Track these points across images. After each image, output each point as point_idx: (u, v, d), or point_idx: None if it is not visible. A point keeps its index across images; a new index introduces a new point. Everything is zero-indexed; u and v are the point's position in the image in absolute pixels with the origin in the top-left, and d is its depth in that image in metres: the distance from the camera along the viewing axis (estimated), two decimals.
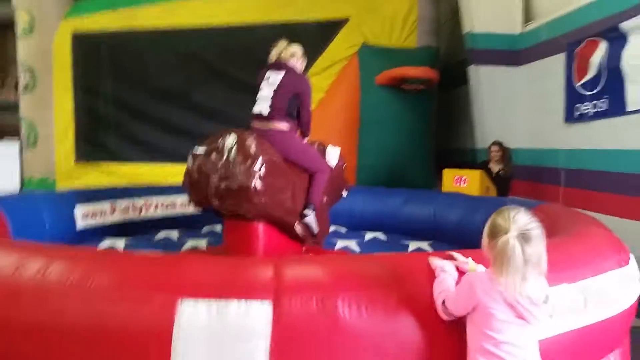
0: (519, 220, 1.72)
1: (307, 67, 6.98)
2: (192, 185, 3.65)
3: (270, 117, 3.66)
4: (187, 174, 3.68)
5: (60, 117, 7.70)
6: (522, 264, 1.69)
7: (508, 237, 1.70)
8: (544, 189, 6.03)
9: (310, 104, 3.81)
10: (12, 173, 7.73)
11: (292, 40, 6.90)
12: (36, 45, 7.75)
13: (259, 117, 3.70)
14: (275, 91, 3.65)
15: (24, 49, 7.86)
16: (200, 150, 3.63)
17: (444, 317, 1.93)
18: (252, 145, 3.48)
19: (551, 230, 3.22)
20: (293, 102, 3.71)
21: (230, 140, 3.52)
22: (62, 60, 7.74)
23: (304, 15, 7.24)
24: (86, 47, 7.81)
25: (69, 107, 7.71)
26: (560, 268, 2.30)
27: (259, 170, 3.41)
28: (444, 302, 1.92)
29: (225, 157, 3.48)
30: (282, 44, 3.85)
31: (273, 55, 3.84)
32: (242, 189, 3.40)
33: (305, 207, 3.81)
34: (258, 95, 3.73)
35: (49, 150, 7.70)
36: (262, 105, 3.68)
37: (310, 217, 3.80)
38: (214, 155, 3.53)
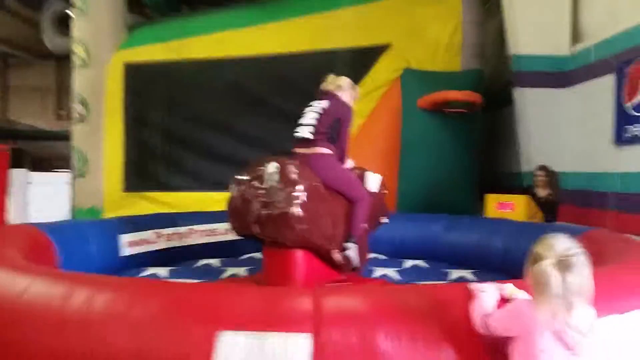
0: (558, 247, 1.68)
1: None
2: (234, 212, 3.67)
3: (312, 142, 3.69)
4: (230, 200, 3.70)
5: (110, 147, 7.98)
6: (562, 291, 1.63)
7: (544, 264, 1.67)
8: (594, 214, 5.79)
9: (348, 131, 3.81)
10: (63, 202, 8.02)
11: (333, 67, 7.03)
12: (90, 77, 8.11)
13: (302, 141, 3.74)
14: (317, 117, 3.70)
15: (79, 81, 8.23)
16: (243, 177, 3.67)
17: (482, 332, 1.90)
18: (293, 171, 3.50)
19: (601, 258, 3.10)
20: (334, 127, 3.74)
21: (272, 166, 3.55)
22: (114, 91, 8.07)
23: (345, 43, 7.31)
24: (137, 78, 8.12)
25: (119, 137, 7.99)
26: (611, 298, 2.19)
27: (300, 196, 3.42)
28: (484, 316, 1.89)
29: (267, 184, 3.50)
30: (330, 77, 3.92)
31: (322, 88, 3.91)
32: (282, 216, 3.40)
33: (347, 239, 3.77)
34: (301, 121, 3.78)
35: (98, 180, 7.97)
36: (305, 130, 3.73)
37: (351, 251, 3.75)
38: (255, 182, 3.56)
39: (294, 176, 3.47)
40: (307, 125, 3.72)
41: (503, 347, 1.84)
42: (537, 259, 1.70)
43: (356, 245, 3.77)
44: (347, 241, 3.76)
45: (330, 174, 3.72)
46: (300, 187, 3.43)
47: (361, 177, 4.08)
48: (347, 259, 3.75)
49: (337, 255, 3.71)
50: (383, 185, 4.24)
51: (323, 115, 3.70)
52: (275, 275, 3.67)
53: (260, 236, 3.61)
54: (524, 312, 1.73)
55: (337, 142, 3.77)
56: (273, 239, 3.56)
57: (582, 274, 1.67)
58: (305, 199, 3.43)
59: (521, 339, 1.74)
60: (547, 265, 1.66)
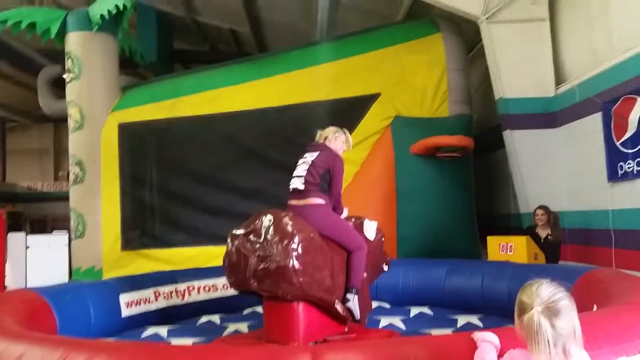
0: (543, 294, 1.68)
1: None
2: (231, 267, 3.64)
3: (304, 193, 3.72)
4: (227, 255, 3.67)
5: (108, 207, 7.99)
6: (554, 338, 1.63)
7: (532, 313, 1.66)
8: (595, 252, 5.77)
9: (340, 181, 3.85)
10: (62, 264, 7.96)
11: (325, 118, 7.15)
12: (86, 138, 8.18)
13: (295, 193, 3.77)
14: (308, 168, 3.75)
15: (75, 143, 8.31)
16: (238, 231, 3.65)
17: None
18: (288, 224, 3.49)
19: (605, 297, 3.07)
20: (325, 178, 3.78)
21: (267, 220, 3.55)
22: (110, 151, 8.14)
23: (337, 94, 7.47)
24: (132, 137, 8.22)
25: (116, 196, 8.01)
26: (617, 340, 2.16)
27: (296, 249, 3.39)
28: None
29: (262, 238, 3.49)
30: (321, 131, 4.02)
31: (315, 141, 4.00)
32: (279, 269, 3.37)
33: (347, 290, 3.74)
34: (294, 173, 3.83)
35: (96, 240, 7.94)
36: (297, 181, 3.77)
37: (352, 302, 3.70)
38: (251, 236, 3.55)
39: (290, 228, 3.46)
40: (298, 177, 3.77)
41: None
42: (524, 308, 1.70)
43: (356, 296, 3.72)
44: (347, 292, 3.72)
45: (325, 223, 3.73)
46: (296, 239, 3.42)
47: (358, 225, 4.08)
48: (348, 310, 3.70)
49: (338, 307, 3.66)
50: (380, 231, 4.23)
51: (312, 166, 3.75)
52: (276, 331, 3.60)
53: (258, 291, 3.57)
54: None
55: (330, 192, 3.80)
56: (272, 293, 3.51)
57: (570, 317, 1.67)
58: (302, 250, 3.42)
59: None
60: (535, 314, 1.65)
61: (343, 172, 3.85)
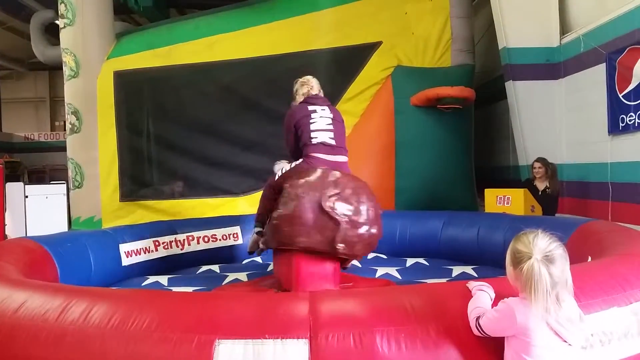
0: (540, 244, 1.73)
1: (341, 93, 7.13)
2: (304, 226, 3.33)
3: (337, 149, 3.65)
4: (297, 213, 3.33)
5: (105, 157, 7.95)
6: (552, 286, 1.69)
7: (532, 261, 1.70)
8: (592, 205, 5.81)
9: None
10: (60, 214, 8.00)
11: (325, 66, 7.02)
12: (81, 87, 8.07)
13: (325, 146, 3.62)
14: (332, 123, 3.69)
15: (70, 91, 8.20)
16: (302, 191, 3.37)
17: (477, 333, 1.91)
18: (370, 190, 3.53)
19: (599, 249, 3.11)
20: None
21: (351, 183, 3.47)
22: (105, 100, 8.04)
23: (337, 42, 7.30)
24: (127, 86, 8.10)
25: (113, 146, 7.96)
26: (611, 290, 2.21)
27: (380, 216, 3.50)
28: (478, 318, 1.90)
29: (353, 203, 3.38)
30: (309, 80, 3.95)
31: (313, 89, 3.90)
32: (373, 237, 3.42)
33: None
34: (315, 127, 3.65)
35: (95, 190, 7.94)
36: (325, 135, 3.63)
37: None
38: (336, 199, 3.35)
39: (372, 195, 3.51)
40: (325, 130, 3.65)
41: (501, 347, 1.85)
42: (521, 257, 1.74)
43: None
44: None
45: None
46: (378, 206, 3.52)
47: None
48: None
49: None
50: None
51: (335, 122, 3.72)
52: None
53: (339, 254, 3.42)
54: (518, 310, 1.74)
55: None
56: (355, 257, 3.60)
57: (564, 266, 1.73)
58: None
59: (516, 337, 1.76)
60: (535, 263, 1.70)
61: None
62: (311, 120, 3.66)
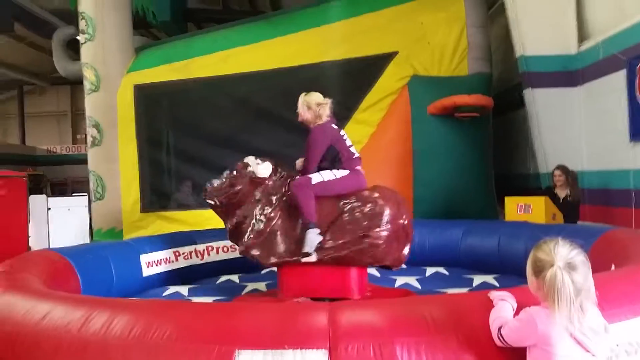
0: (561, 251, 1.71)
1: (357, 103, 7.15)
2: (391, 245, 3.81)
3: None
4: (389, 235, 3.78)
5: (125, 169, 8.07)
6: (575, 294, 1.67)
7: (555, 269, 1.68)
8: (615, 213, 5.70)
9: None
10: (82, 225, 8.13)
11: (339, 78, 7.04)
12: (102, 101, 8.22)
13: (360, 160, 4.05)
14: None
15: (91, 105, 8.35)
16: (392, 211, 3.80)
17: (498, 343, 1.89)
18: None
19: (623, 257, 3.05)
20: None
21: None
22: (126, 113, 8.17)
23: (351, 54, 7.33)
24: (147, 99, 8.23)
25: (133, 158, 8.07)
26: (636, 299, 2.17)
27: None
28: (500, 328, 1.87)
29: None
30: (322, 99, 4.03)
31: (330, 109, 4.02)
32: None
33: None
34: (349, 143, 4.01)
35: (116, 202, 8.05)
36: (356, 151, 4.06)
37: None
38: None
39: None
40: (352, 146, 4.04)
41: (515, 348, 1.84)
42: (543, 266, 1.72)
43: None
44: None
45: None
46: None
47: None
48: None
49: None
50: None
51: None
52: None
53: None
54: (540, 319, 1.72)
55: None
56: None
57: (586, 273, 1.70)
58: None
59: (538, 347, 1.74)
60: (558, 271, 1.67)
61: None
62: (344, 138, 4.00)
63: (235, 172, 4.09)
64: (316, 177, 3.89)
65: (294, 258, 3.82)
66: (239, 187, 4.02)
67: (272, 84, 7.63)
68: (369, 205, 3.80)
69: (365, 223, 3.73)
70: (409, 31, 7.17)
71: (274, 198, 4.03)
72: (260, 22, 8.29)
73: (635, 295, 2.18)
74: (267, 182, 4.06)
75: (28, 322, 2.32)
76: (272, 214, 3.98)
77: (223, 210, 4.10)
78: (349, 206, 3.83)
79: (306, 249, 3.81)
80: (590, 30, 6.35)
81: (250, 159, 4.16)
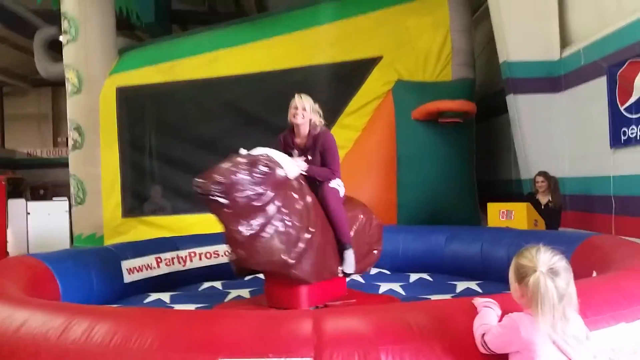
0: (543, 257, 1.72)
1: (342, 107, 7.15)
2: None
3: None
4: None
5: (107, 173, 7.96)
6: (558, 299, 1.68)
7: (538, 275, 1.69)
8: (595, 219, 5.77)
9: None
10: (62, 230, 7.99)
11: (325, 82, 7.05)
12: (84, 103, 8.10)
13: None
14: None
15: (73, 108, 8.23)
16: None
17: (482, 350, 1.89)
18: None
19: (604, 264, 3.09)
20: None
21: None
22: (108, 116, 8.06)
23: (337, 58, 7.34)
24: (130, 102, 8.13)
25: (115, 162, 7.96)
26: (617, 306, 2.19)
27: None
28: (483, 335, 1.88)
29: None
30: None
31: None
32: None
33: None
34: None
35: (97, 207, 7.94)
36: None
37: None
38: None
39: None
40: None
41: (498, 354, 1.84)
42: (526, 272, 1.73)
43: None
44: None
45: None
46: None
47: None
48: None
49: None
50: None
51: None
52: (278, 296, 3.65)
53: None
54: (523, 326, 1.73)
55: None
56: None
57: (568, 279, 1.72)
58: None
59: (520, 353, 1.74)
60: (541, 277, 1.68)
61: (275, 146, 3.85)
62: None
63: (265, 168, 3.25)
64: (340, 189, 3.87)
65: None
66: (266, 189, 3.26)
67: (258, 87, 7.60)
68: (374, 218, 4.20)
69: (373, 236, 4.17)
70: (394, 36, 7.21)
71: (299, 206, 3.45)
72: (246, 25, 8.27)
73: (617, 302, 2.20)
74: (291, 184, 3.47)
75: (5, 330, 2.27)
76: (311, 228, 3.43)
77: (233, 213, 3.18)
78: (361, 219, 4.08)
79: (348, 270, 3.79)
80: (573, 37, 6.44)
81: (274, 153, 3.45)
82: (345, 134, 6.94)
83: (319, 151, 3.80)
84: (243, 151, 3.39)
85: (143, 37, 13.82)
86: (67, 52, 8.19)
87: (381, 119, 7.12)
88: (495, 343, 1.83)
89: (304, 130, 3.85)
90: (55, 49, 12.43)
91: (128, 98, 8.09)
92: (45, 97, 21.94)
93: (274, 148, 3.62)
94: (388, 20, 7.32)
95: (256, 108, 7.63)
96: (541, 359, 1.69)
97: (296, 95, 3.86)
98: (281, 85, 7.42)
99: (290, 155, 3.76)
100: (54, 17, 10.89)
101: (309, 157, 3.81)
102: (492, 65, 7.60)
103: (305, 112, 3.78)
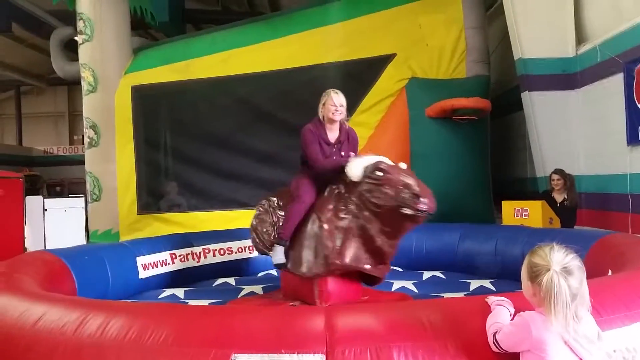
0: (557, 256, 1.71)
1: (356, 105, 7.14)
2: None
3: None
4: None
5: (123, 170, 8.06)
6: (571, 299, 1.66)
7: (551, 274, 1.67)
8: (612, 217, 5.70)
9: (309, 151, 3.83)
10: (79, 227, 8.09)
11: (339, 80, 7.05)
12: (99, 101, 8.20)
13: None
14: None
15: (88, 106, 8.33)
16: None
17: (494, 349, 1.88)
18: None
19: (620, 263, 3.05)
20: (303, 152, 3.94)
21: None
22: (123, 115, 8.15)
23: (350, 56, 7.33)
24: (145, 101, 8.22)
25: (131, 160, 8.06)
26: (633, 305, 2.16)
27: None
28: (495, 334, 1.87)
29: None
30: None
31: None
32: None
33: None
34: None
35: (112, 203, 8.04)
36: None
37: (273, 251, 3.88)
38: None
39: None
40: None
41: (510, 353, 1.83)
42: (539, 270, 1.71)
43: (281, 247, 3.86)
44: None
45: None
46: None
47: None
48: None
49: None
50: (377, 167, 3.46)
51: None
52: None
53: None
54: (535, 325, 1.72)
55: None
56: None
57: (581, 278, 1.70)
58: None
59: (531, 352, 1.73)
60: (555, 276, 1.67)
61: (309, 140, 3.81)
62: None
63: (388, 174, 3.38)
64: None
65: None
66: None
67: (271, 85, 7.64)
68: None
69: None
70: (408, 33, 7.19)
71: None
72: (259, 24, 8.29)
73: (633, 301, 2.18)
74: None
75: (23, 324, 2.30)
76: None
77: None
78: None
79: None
80: (589, 33, 6.36)
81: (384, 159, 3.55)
82: (358, 132, 6.80)
83: (348, 146, 3.89)
84: (403, 165, 3.57)
85: (157, 36, 13.94)
86: (82, 51, 8.29)
87: (395, 117, 7.10)
88: (507, 342, 1.82)
89: (337, 125, 3.89)
90: (71, 48, 12.57)
91: (143, 96, 8.17)
92: (61, 96, 22.22)
93: (307, 141, 3.79)
94: (401, 18, 7.30)
95: (269, 106, 7.67)
96: (552, 358, 1.67)
97: (333, 92, 3.85)
98: (294, 83, 7.45)
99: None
100: (69, 17, 11.04)
101: (342, 152, 3.86)
102: (507, 62, 7.54)
103: (343, 108, 3.85)
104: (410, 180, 3.31)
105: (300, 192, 3.83)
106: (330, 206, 3.63)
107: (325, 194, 3.80)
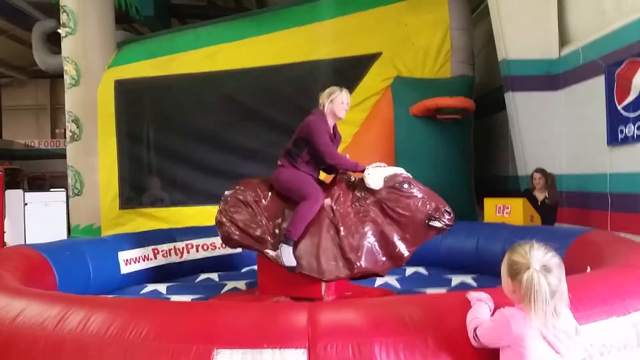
0: (536, 254, 1.73)
1: None
2: None
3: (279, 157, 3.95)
4: None
5: (105, 165, 7.98)
6: (550, 296, 1.69)
7: (531, 271, 1.70)
8: (592, 215, 5.80)
9: (319, 142, 3.72)
10: (60, 221, 7.99)
11: (325, 77, 7.05)
12: (82, 95, 8.11)
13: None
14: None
15: (71, 100, 8.23)
16: None
17: (474, 344, 1.91)
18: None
19: (598, 259, 3.11)
20: (300, 145, 3.81)
21: None
22: (106, 109, 8.07)
23: (337, 53, 7.34)
24: (128, 95, 8.14)
25: (113, 154, 7.99)
26: (610, 300, 2.21)
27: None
28: (475, 329, 1.90)
29: None
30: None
31: None
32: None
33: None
34: None
35: (94, 198, 7.96)
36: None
37: (279, 251, 3.71)
38: None
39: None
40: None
41: (489, 348, 1.86)
42: (519, 268, 1.74)
43: (288, 246, 3.69)
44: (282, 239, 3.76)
45: (277, 182, 3.92)
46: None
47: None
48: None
49: (268, 252, 3.78)
50: (396, 179, 3.73)
51: (294, 133, 3.88)
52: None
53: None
54: (515, 321, 1.74)
55: (311, 156, 3.80)
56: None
57: (560, 275, 1.73)
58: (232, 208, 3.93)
59: (510, 348, 1.76)
60: (534, 273, 1.70)
61: (323, 130, 3.75)
62: None
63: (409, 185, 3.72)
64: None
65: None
66: None
67: (256, 82, 7.62)
68: None
69: None
70: (394, 32, 7.22)
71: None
72: (245, 20, 8.26)
73: (610, 296, 2.23)
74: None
75: (2, 319, 2.28)
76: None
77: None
78: None
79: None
80: (572, 35, 6.45)
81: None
82: (343, 129, 6.89)
83: (337, 143, 3.97)
84: (382, 164, 3.87)
85: (142, 30, 13.81)
86: (65, 44, 8.18)
87: (380, 115, 7.13)
88: (487, 337, 1.85)
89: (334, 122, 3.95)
90: (53, 41, 12.40)
91: (126, 91, 8.09)
92: (43, 88, 21.93)
93: (320, 131, 3.73)
94: (388, 17, 7.33)
95: (254, 102, 7.65)
96: (531, 353, 1.71)
97: (344, 90, 3.86)
98: (280, 80, 7.44)
99: None
100: (53, 9, 10.88)
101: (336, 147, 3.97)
102: (491, 64, 7.62)
103: (349, 106, 3.93)
104: (437, 196, 3.73)
105: (311, 191, 3.72)
106: (350, 210, 3.72)
107: (339, 196, 3.77)
